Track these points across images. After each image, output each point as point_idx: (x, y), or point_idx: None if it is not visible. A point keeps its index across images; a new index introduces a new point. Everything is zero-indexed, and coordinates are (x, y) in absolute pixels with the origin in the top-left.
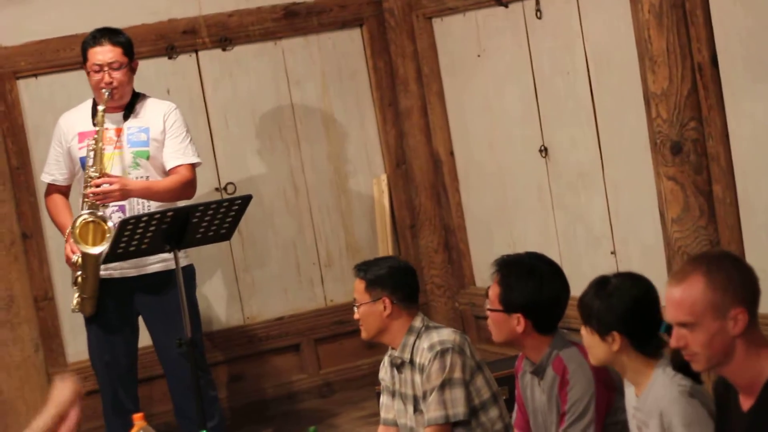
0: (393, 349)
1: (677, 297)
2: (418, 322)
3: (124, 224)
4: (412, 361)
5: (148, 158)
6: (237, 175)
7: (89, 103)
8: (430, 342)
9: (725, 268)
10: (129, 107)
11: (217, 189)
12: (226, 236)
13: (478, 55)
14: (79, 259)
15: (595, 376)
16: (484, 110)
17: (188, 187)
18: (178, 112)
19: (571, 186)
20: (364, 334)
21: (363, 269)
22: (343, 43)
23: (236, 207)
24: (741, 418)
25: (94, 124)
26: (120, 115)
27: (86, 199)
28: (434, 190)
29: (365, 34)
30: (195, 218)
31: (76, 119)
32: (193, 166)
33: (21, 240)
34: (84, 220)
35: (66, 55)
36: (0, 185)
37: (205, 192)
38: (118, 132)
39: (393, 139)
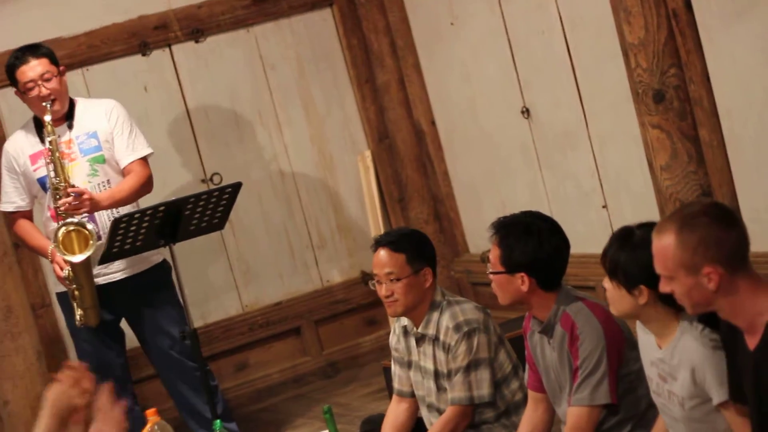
0: (414, 324)
1: (655, 250)
2: (438, 296)
3: (116, 223)
4: (436, 338)
5: (104, 162)
6: (222, 165)
7: (30, 124)
8: (456, 321)
9: (699, 227)
10: (69, 116)
11: (203, 180)
12: (219, 226)
13: (452, 23)
14: (70, 272)
15: (604, 329)
16: (462, 78)
17: (148, 182)
18: (119, 106)
19: (557, 144)
20: (398, 309)
21: (397, 241)
22: (315, 23)
23: (227, 195)
24: (748, 357)
25: (43, 142)
26: (64, 126)
27: (58, 212)
28: (419, 161)
29: (336, 12)
30: (187, 210)
31: (23, 143)
32: (145, 159)
33: (13, 250)
34: (65, 230)
35: None
36: None
37: (191, 184)
38: (69, 144)
39: (373, 115)
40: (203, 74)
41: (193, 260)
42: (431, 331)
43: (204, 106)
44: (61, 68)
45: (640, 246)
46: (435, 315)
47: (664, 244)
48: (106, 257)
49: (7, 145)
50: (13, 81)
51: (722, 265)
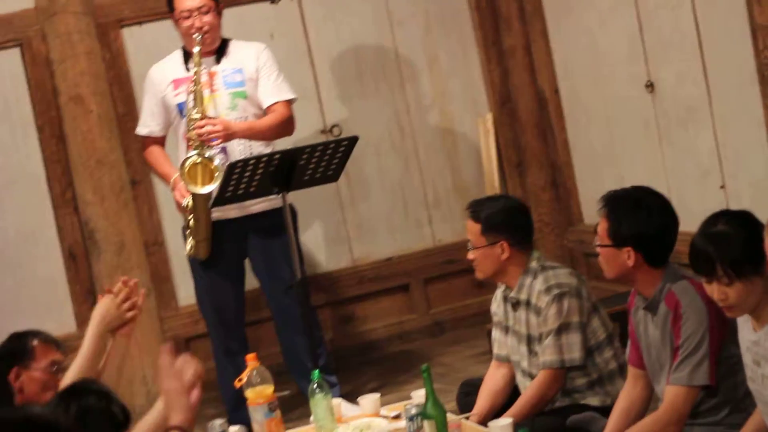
0: (508, 287)
1: None
2: (534, 263)
3: (231, 168)
4: (528, 302)
5: (245, 98)
6: (342, 117)
7: (179, 51)
8: (547, 284)
9: None
10: (220, 51)
11: (322, 131)
12: (333, 177)
13: None
14: (190, 202)
15: (708, 310)
16: (588, 47)
17: (288, 124)
18: (269, 51)
19: (679, 121)
20: (479, 275)
21: (477, 211)
22: None
23: (343, 148)
24: None
25: (188, 69)
26: (212, 58)
27: (190, 142)
28: (540, 128)
29: None
30: (302, 160)
31: (169, 68)
32: (289, 102)
33: (130, 186)
34: (192, 161)
35: None
36: (107, 132)
37: (310, 134)
38: (212, 76)
39: (497, 79)
40: (330, 26)
41: (306, 210)
42: (524, 296)
43: (328, 57)
44: (221, 6)
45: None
46: (528, 280)
47: None
48: (219, 201)
49: (152, 71)
50: (170, 7)
51: None
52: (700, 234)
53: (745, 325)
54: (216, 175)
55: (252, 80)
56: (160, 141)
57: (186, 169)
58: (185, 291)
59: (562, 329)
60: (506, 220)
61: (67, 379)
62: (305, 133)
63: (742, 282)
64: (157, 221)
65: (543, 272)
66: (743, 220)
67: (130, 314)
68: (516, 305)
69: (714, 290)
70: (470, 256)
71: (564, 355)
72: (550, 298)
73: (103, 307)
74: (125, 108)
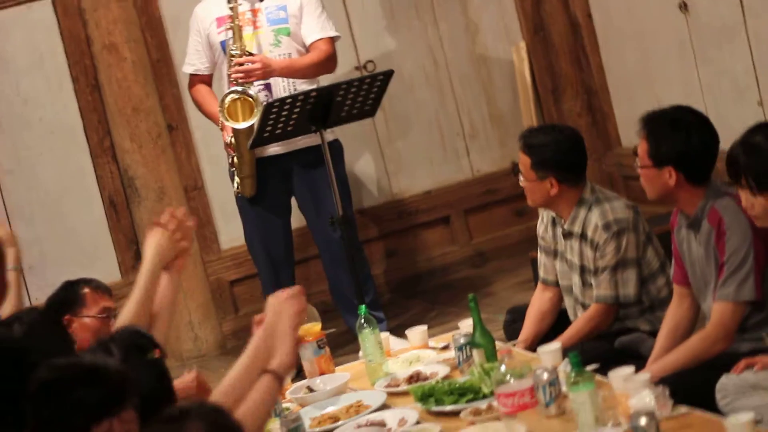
0: (560, 217)
1: None
2: (587, 194)
3: (268, 108)
4: (583, 235)
5: (289, 35)
6: (376, 53)
7: None
8: (606, 220)
9: None
10: None
11: (356, 68)
12: (371, 113)
13: None
14: (233, 140)
15: (751, 225)
16: None
17: (329, 61)
18: None
19: (714, 40)
20: (530, 203)
21: (528, 144)
22: None
23: (378, 83)
24: None
25: (231, 7)
26: None
27: (230, 79)
28: (574, 54)
29: None
30: (339, 97)
31: (212, 6)
32: (332, 39)
33: (167, 132)
34: (232, 98)
35: None
36: (142, 79)
37: (345, 71)
38: (255, 13)
39: (529, 6)
40: None
41: (345, 146)
42: (577, 228)
43: None
44: None
45: None
46: (582, 212)
47: None
48: (258, 141)
49: (197, 8)
50: None
51: None
52: (739, 141)
53: None
54: (255, 109)
55: (295, 17)
56: (207, 79)
57: (226, 106)
58: (227, 234)
59: (618, 265)
60: (556, 157)
61: (120, 321)
62: (339, 70)
63: (764, 197)
64: (196, 165)
65: (598, 205)
66: None
67: (183, 243)
68: (568, 235)
69: (743, 197)
70: (521, 184)
71: (619, 290)
72: (610, 235)
73: (155, 240)
74: (159, 53)
